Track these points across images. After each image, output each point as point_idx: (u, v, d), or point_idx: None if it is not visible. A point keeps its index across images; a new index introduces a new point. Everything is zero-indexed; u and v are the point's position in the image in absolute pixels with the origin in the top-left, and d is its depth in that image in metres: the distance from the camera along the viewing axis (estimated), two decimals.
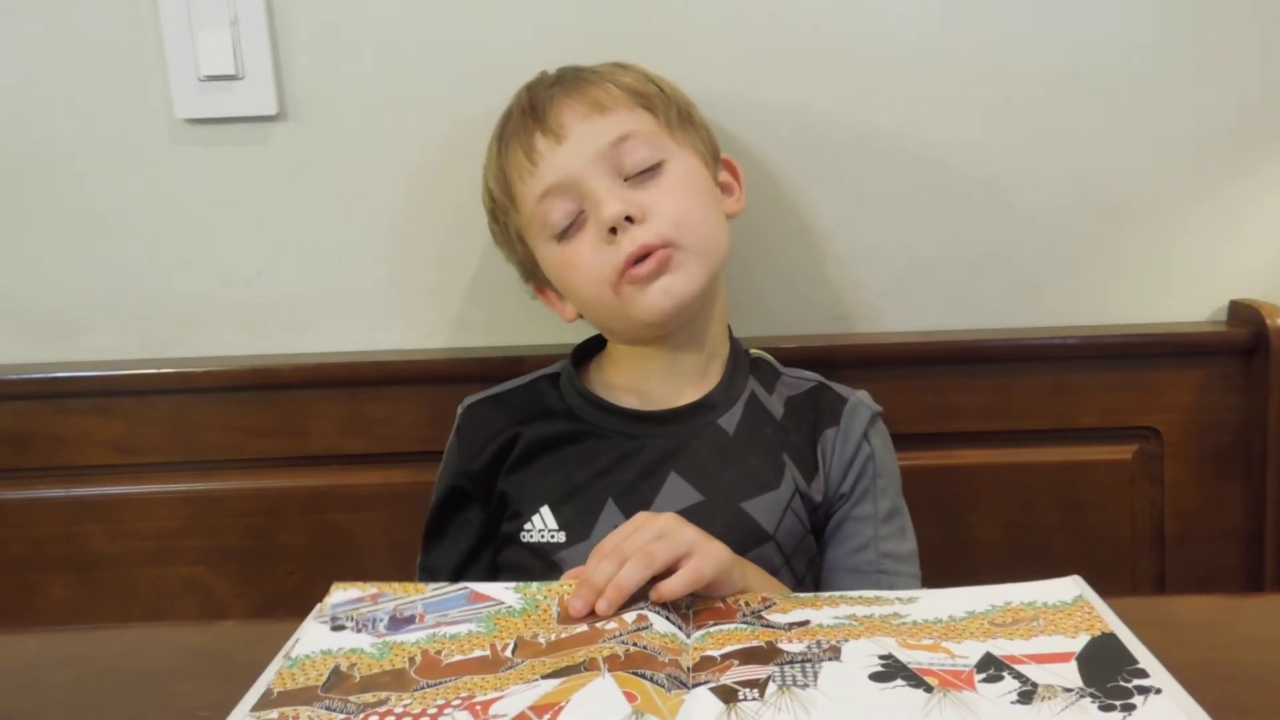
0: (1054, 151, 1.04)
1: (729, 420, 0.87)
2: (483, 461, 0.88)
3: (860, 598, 0.66)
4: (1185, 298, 1.07)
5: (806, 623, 0.61)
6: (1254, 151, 1.04)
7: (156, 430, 1.03)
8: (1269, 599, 0.85)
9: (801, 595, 0.69)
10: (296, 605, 0.71)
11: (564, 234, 0.84)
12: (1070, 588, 0.64)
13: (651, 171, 0.84)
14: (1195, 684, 0.52)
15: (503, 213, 0.89)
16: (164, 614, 1.04)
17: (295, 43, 1.02)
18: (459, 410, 0.92)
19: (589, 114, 0.84)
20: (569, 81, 0.87)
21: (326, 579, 1.05)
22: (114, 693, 0.59)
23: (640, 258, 0.81)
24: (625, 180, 0.83)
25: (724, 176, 0.93)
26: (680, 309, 0.83)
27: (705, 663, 0.57)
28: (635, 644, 0.58)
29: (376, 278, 1.07)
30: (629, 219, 0.81)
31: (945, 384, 1.03)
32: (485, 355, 1.04)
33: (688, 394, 0.88)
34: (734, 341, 0.92)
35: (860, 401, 0.89)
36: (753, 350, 0.94)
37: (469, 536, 0.89)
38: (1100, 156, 1.04)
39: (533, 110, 0.86)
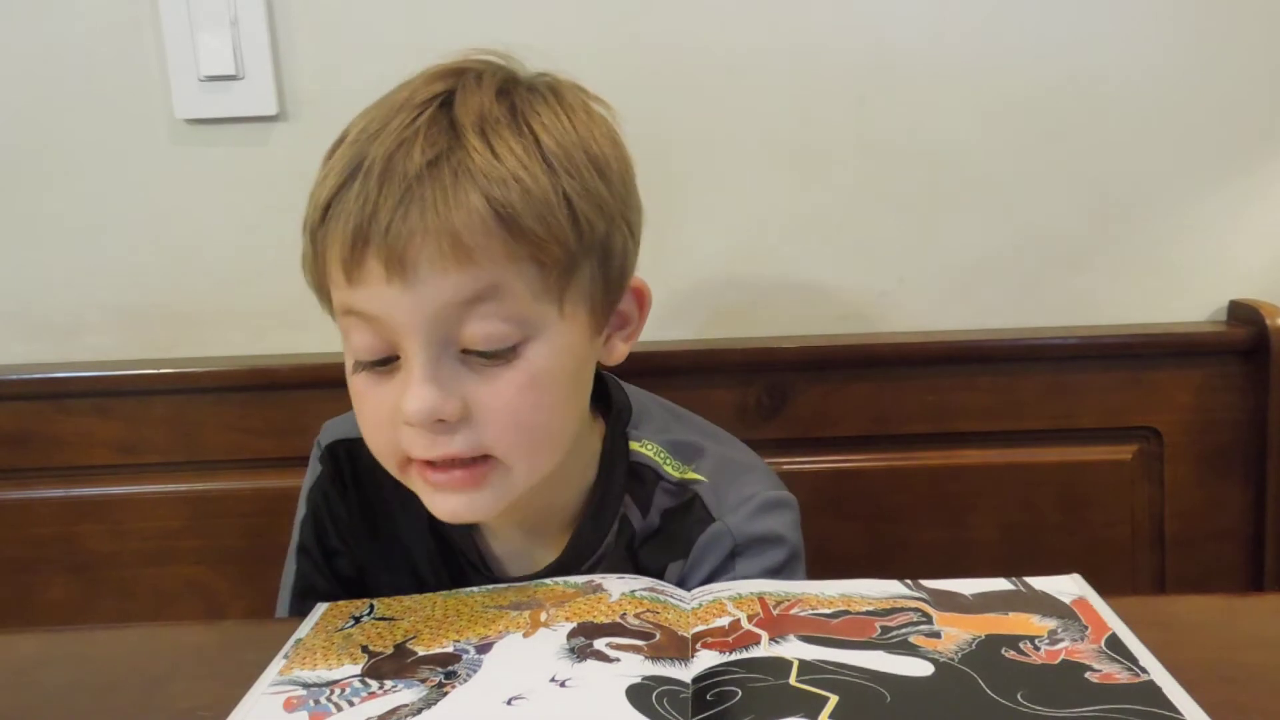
0: (1054, 152, 1.04)
1: (593, 564, 0.72)
2: (341, 552, 0.76)
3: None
4: (1185, 298, 1.07)
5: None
6: (1253, 151, 1.04)
7: (156, 430, 1.03)
8: (1269, 599, 0.84)
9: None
10: None
11: (362, 363, 0.63)
12: (1070, 587, 0.64)
13: (500, 355, 0.61)
14: (1195, 684, 0.52)
15: (310, 260, 0.65)
16: (164, 614, 1.04)
17: (295, 43, 1.02)
18: (320, 449, 0.76)
19: (447, 263, 0.58)
20: (438, 180, 0.59)
21: None
22: (114, 693, 0.59)
23: (443, 464, 0.63)
24: (462, 350, 0.61)
25: (625, 305, 0.69)
26: (485, 519, 0.68)
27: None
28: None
29: None
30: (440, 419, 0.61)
31: (945, 384, 1.03)
32: None
33: (548, 546, 0.73)
34: (608, 451, 0.73)
35: (723, 531, 0.70)
36: (636, 447, 0.74)
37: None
38: (1100, 157, 1.04)
39: (375, 211, 0.58)
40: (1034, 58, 1.02)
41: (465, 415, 0.61)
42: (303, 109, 1.03)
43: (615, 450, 0.73)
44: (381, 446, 0.64)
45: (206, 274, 1.06)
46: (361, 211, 0.59)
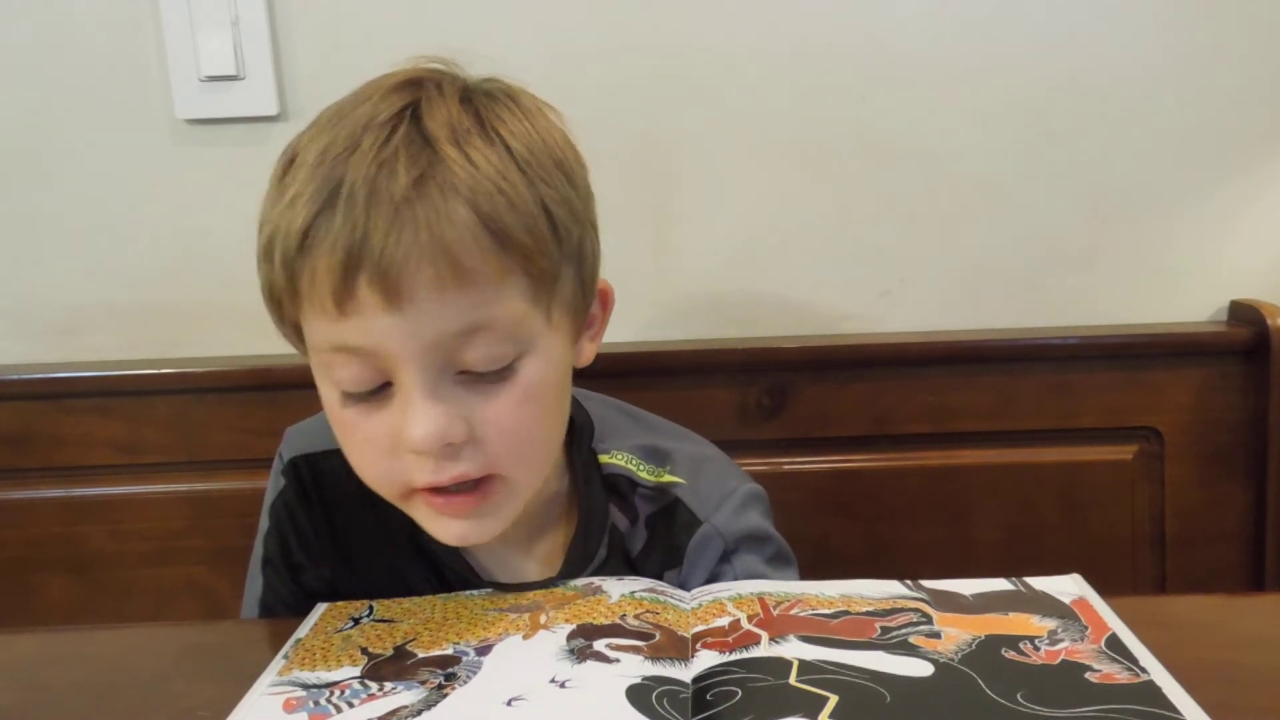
0: (1054, 152, 1.04)
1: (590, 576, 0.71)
2: (306, 567, 0.73)
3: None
4: (1185, 298, 1.07)
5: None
6: (1253, 151, 1.04)
7: (157, 430, 1.03)
8: (1269, 599, 0.84)
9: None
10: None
11: (351, 396, 0.61)
12: (1070, 587, 0.64)
13: (498, 374, 0.60)
14: (1195, 684, 0.52)
15: (280, 293, 0.60)
16: (164, 614, 1.04)
17: (295, 43, 1.02)
18: (282, 462, 0.74)
19: (445, 285, 0.57)
20: (427, 198, 0.56)
21: None
22: (114, 693, 0.59)
23: (450, 488, 0.61)
24: (459, 372, 0.60)
25: (593, 306, 0.68)
26: (490, 539, 0.65)
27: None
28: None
29: None
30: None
31: (945, 384, 1.03)
32: None
33: (528, 552, 0.72)
34: (580, 470, 0.71)
35: (712, 533, 0.71)
36: (607, 460, 0.73)
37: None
38: (1100, 157, 1.04)
39: (365, 235, 0.56)
40: (1034, 58, 1.02)
41: (470, 436, 0.60)
42: (303, 109, 1.03)
43: (587, 467, 0.72)
44: (380, 477, 0.63)
45: (207, 274, 1.06)
46: (351, 236, 0.56)
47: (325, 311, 0.58)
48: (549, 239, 0.60)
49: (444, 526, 0.63)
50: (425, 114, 0.59)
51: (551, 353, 0.63)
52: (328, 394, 0.62)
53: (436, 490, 0.61)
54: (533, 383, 0.61)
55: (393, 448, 0.60)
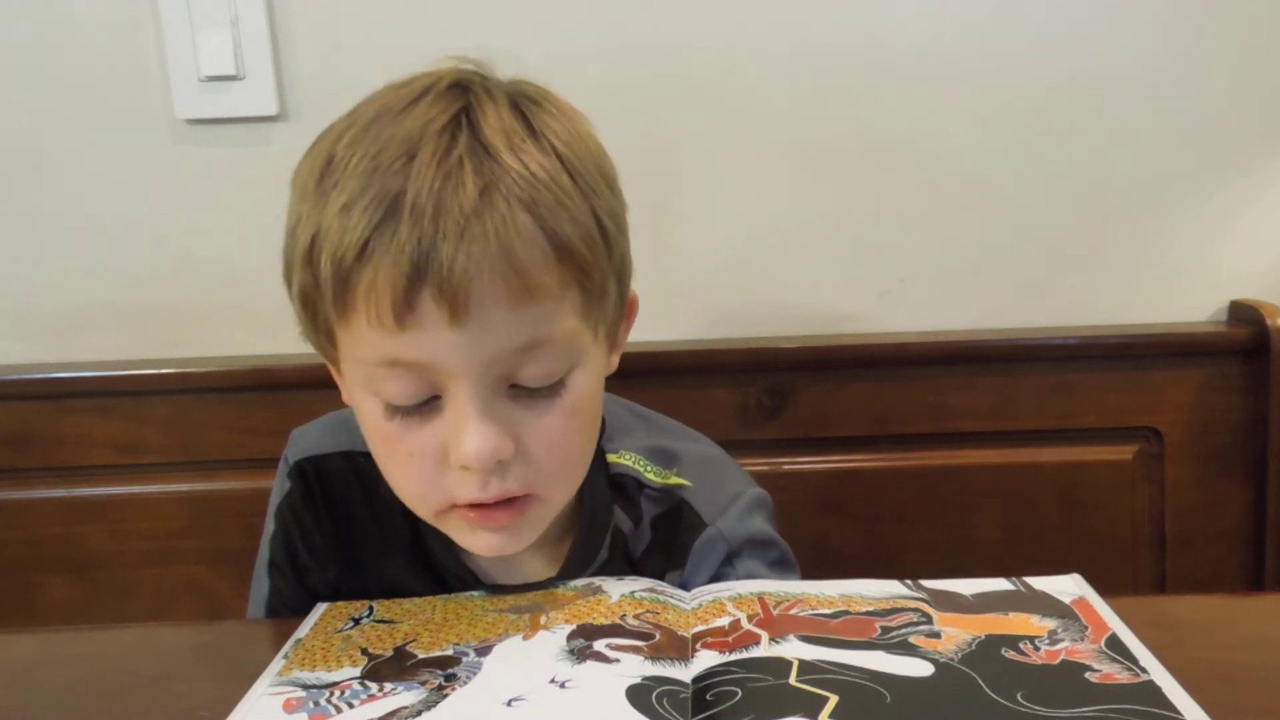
0: (1054, 152, 1.04)
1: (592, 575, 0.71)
2: (312, 569, 0.73)
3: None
4: (1185, 298, 1.07)
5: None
6: (1253, 152, 1.04)
7: (157, 430, 1.03)
8: (1270, 599, 0.84)
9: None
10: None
11: (397, 409, 0.60)
12: (1070, 587, 0.64)
13: (548, 389, 0.60)
14: (1195, 684, 0.52)
15: (319, 299, 0.59)
16: (164, 614, 1.04)
17: (295, 43, 1.02)
18: (288, 465, 0.74)
19: (512, 300, 0.56)
20: (495, 211, 0.55)
21: None
22: (114, 693, 0.59)
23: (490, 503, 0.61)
24: (510, 385, 0.59)
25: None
26: (521, 549, 0.65)
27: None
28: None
29: None
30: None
31: (945, 384, 1.03)
32: None
33: (532, 555, 0.70)
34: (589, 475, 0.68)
35: (716, 535, 0.70)
36: (614, 459, 0.73)
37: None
38: (1100, 157, 1.04)
39: (432, 247, 0.54)
40: (1034, 58, 1.02)
41: (518, 452, 0.59)
42: (303, 109, 1.03)
43: (593, 466, 0.70)
44: (420, 491, 0.62)
45: (207, 274, 1.06)
46: (418, 249, 0.54)
47: (382, 324, 0.56)
48: (602, 251, 0.60)
49: (478, 539, 0.63)
50: (479, 121, 0.58)
51: (595, 366, 0.62)
52: (368, 406, 0.61)
53: (475, 505, 0.61)
54: (579, 397, 0.61)
55: (439, 462, 0.59)
